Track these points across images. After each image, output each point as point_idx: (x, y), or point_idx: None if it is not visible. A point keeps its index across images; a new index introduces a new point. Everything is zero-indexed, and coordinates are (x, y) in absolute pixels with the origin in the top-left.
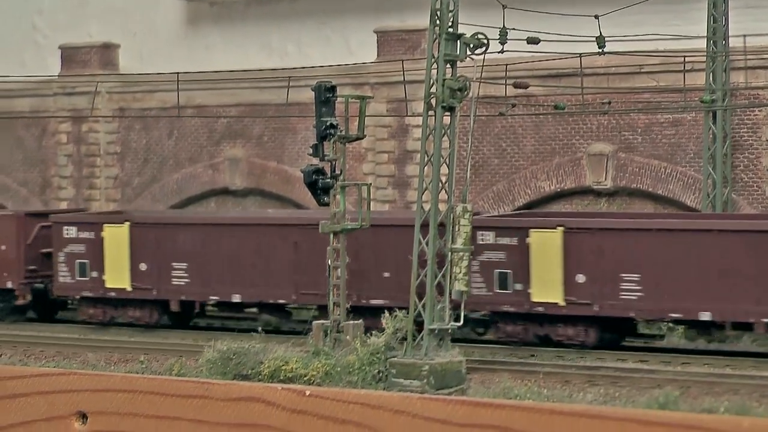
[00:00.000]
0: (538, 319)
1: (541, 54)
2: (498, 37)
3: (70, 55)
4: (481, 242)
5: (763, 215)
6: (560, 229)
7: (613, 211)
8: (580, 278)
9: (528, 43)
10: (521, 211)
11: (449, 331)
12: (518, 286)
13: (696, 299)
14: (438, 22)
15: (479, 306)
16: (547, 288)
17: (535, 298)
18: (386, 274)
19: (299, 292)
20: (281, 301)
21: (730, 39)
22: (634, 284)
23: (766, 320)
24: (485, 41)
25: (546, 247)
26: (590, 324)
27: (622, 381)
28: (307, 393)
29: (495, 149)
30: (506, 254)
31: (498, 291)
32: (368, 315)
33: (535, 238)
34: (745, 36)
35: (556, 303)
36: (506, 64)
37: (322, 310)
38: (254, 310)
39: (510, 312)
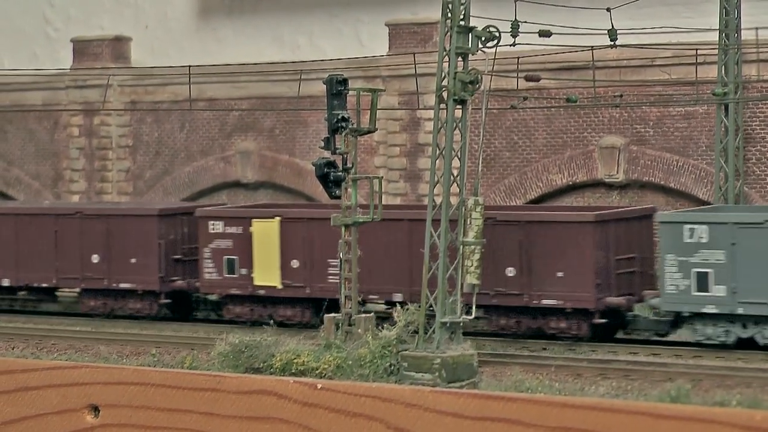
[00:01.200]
0: (261, 300)
1: (552, 47)
2: (510, 29)
3: (81, 48)
4: (211, 231)
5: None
6: (277, 219)
7: (624, 204)
8: (295, 263)
9: (540, 35)
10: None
11: (461, 324)
12: (243, 271)
13: (392, 282)
14: (450, 14)
15: (211, 289)
16: (267, 272)
17: (257, 282)
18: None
19: (59, 277)
20: (44, 285)
21: (742, 31)
22: (339, 269)
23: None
24: (497, 34)
25: (266, 235)
26: (305, 305)
27: (634, 374)
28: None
29: (506, 142)
30: (233, 242)
31: (226, 276)
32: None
33: (256, 227)
34: (757, 29)
35: (275, 286)
36: (518, 57)
37: (84, 293)
38: (24, 293)
39: (237, 294)
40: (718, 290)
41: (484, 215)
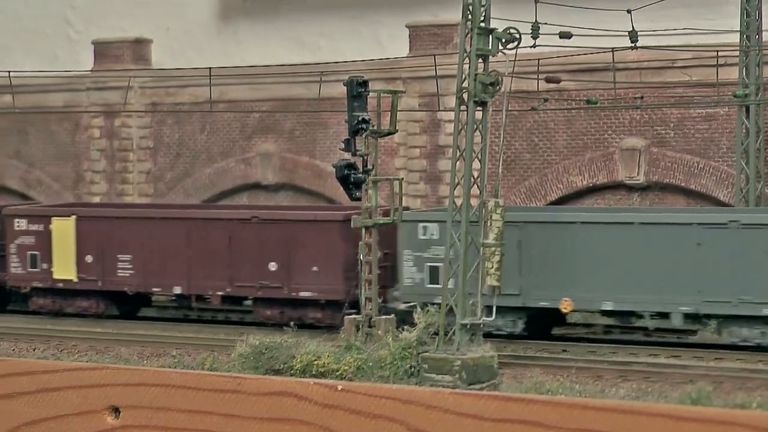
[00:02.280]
0: (61, 293)
1: (573, 48)
2: (530, 31)
3: (102, 50)
4: (17, 228)
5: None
6: (73, 217)
7: (644, 206)
8: (89, 258)
9: (560, 37)
10: (70, 202)
11: (481, 326)
12: (44, 266)
13: (172, 276)
14: (470, 16)
15: (17, 282)
16: (65, 267)
17: (56, 276)
18: (315, 268)
19: None
20: None
21: (763, 33)
22: (127, 263)
23: (221, 293)
24: (517, 36)
25: (63, 232)
26: (99, 297)
27: (655, 376)
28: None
29: (527, 144)
30: (35, 238)
31: (30, 270)
32: (298, 306)
33: (55, 224)
34: None
35: (71, 279)
36: (538, 59)
37: None
38: None
39: (39, 287)
40: (449, 282)
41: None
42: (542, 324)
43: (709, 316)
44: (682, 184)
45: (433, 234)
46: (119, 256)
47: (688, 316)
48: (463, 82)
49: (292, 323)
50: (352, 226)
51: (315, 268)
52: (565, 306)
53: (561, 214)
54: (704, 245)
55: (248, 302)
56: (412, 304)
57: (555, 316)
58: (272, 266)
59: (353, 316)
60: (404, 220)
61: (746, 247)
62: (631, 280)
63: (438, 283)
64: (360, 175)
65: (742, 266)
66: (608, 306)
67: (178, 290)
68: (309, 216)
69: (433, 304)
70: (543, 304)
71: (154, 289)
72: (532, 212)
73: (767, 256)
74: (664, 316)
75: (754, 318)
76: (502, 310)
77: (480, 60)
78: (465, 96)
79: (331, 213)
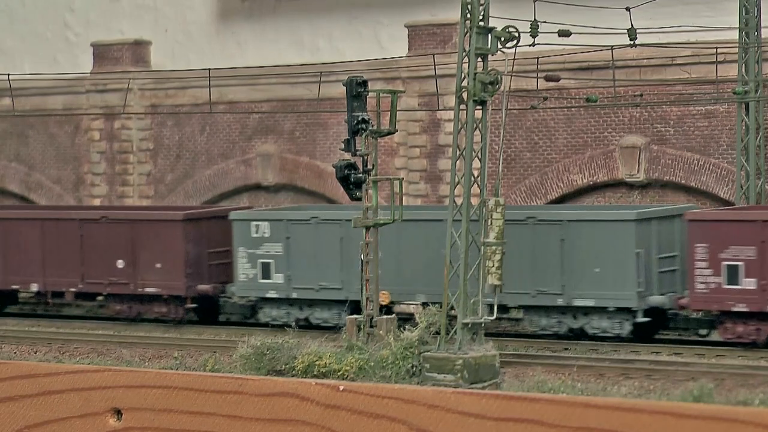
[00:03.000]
0: None
1: (572, 47)
2: (529, 30)
3: (101, 53)
4: None
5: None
6: None
7: (644, 203)
8: None
9: (559, 35)
10: None
11: (482, 325)
12: None
13: (30, 274)
14: (469, 15)
15: None
16: None
17: None
18: (158, 265)
19: None
20: None
21: (762, 30)
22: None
23: (74, 289)
24: (516, 34)
25: None
26: None
27: (657, 374)
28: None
29: (527, 143)
30: None
31: None
32: (145, 301)
33: None
34: None
35: None
36: (537, 57)
37: None
38: None
39: None
40: (277, 278)
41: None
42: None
43: (512, 308)
44: (683, 182)
45: (265, 232)
46: None
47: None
48: (462, 82)
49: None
50: (352, 226)
51: (158, 265)
52: (383, 298)
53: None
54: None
55: (100, 298)
56: (247, 297)
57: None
58: (120, 264)
59: (354, 316)
60: (237, 219)
61: (543, 242)
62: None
63: (270, 278)
64: (360, 175)
65: (540, 260)
66: (421, 298)
67: (35, 287)
68: (151, 216)
69: (265, 299)
70: None
71: (14, 287)
72: (355, 211)
73: (562, 250)
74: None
75: (551, 308)
76: (326, 304)
77: (479, 59)
78: (464, 95)
79: (172, 213)
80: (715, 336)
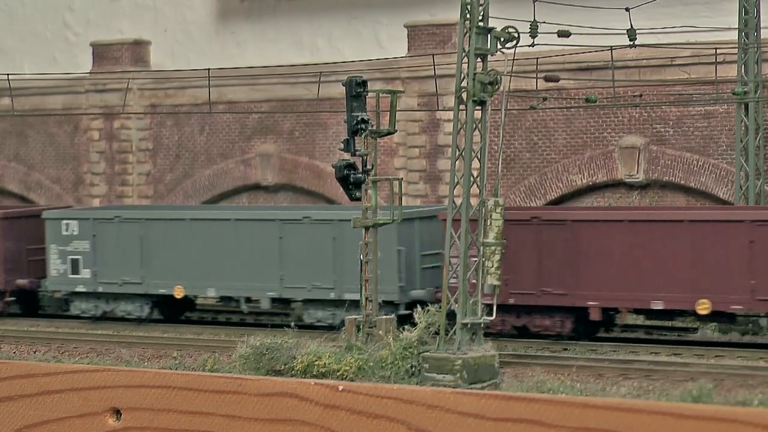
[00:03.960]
0: None
1: (571, 47)
2: (528, 30)
3: (101, 52)
4: None
5: None
6: None
7: (644, 204)
8: None
9: (559, 36)
10: None
11: (482, 325)
12: None
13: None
14: (468, 15)
15: None
16: None
17: None
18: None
19: None
20: None
21: (761, 30)
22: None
23: None
24: (516, 35)
25: None
26: None
27: (656, 374)
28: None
29: (526, 143)
30: None
31: None
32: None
33: None
34: None
35: None
36: (537, 58)
37: None
38: None
39: None
40: (85, 273)
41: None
42: (169, 308)
43: (291, 301)
44: (682, 182)
45: (74, 230)
46: None
47: (274, 300)
48: (462, 82)
49: (292, 323)
50: (352, 226)
51: None
52: (178, 292)
53: (174, 211)
54: (285, 238)
55: None
56: (59, 291)
57: (177, 301)
58: None
59: (354, 316)
60: (49, 218)
61: (318, 240)
62: (228, 270)
63: (78, 273)
64: (359, 175)
65: (315, 256)
66: (212, 293)
67: None
68: None
69: (75, 292)
70: (162, 291)
71: None
72: (153, 210)
73: (334, 248)
74: (256, 301)
75: (326, 301)
76: (129, 297)
77: (479, 59)
78: (464, 95)
79: None
80: None
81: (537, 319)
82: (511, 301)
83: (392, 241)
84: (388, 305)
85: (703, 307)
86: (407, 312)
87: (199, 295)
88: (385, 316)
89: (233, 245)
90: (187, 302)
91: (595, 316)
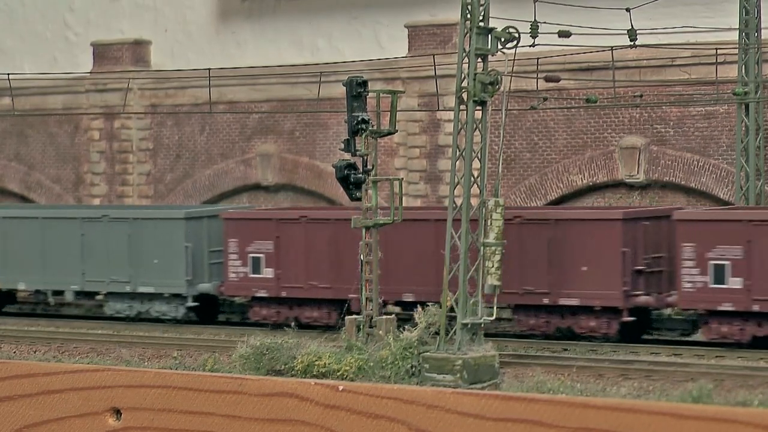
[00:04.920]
0: None
1: (572, 47)
2: (529, 30)
3: (101, 52)
4: None
5: None
6: None
7: (644, 204)
8: None
9: (559, 36)
10: None
11: (482, 325)
12: None
13: None
14: (469, 16)
15: None
16: None
17: None
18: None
19: None
20: None
21: (762, 31)
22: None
23: None
24: (516, 35)
25: None
26: None
27: (656, 374)
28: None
29: (527, 143)
30: None
31: None
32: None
33: None
34: None
35: None
36: (537, 58)
37: None
38: None
39: None
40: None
41: None
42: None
43: (93, 293)
44: (682, 182)
45: None
46: None
47: (78, 293)
48: (462, 82)
49: (292, 323)
50: (352, 226)
51: None
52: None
53: None
54: (86, 235)
55: None
56: None
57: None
58: None
59: (354, 316)
60: None
61: (115, 237)
62: (37, 265)
63: None
64: (360, 175)
65: (113, 252)
66: (22, 286)
67: None
68: None
69: None
70: None
71: None
72: None
73: (129, 244)
74: (61, 293)
75: (123, 294)
76: None
77: (479, 59)
78: (464, 95)
79: None
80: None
81: (307, 310)
82: (284, 294)
83: (180, 238)
84: (177, 297)
85: None
86: (194, 304)
87: (12, 288)
88: (385, 317)
89: (40, 242)
90: (10, 295)
91: (356, 307)
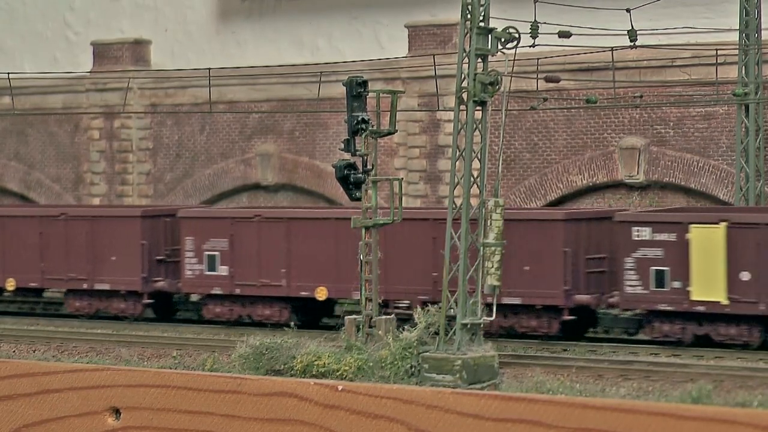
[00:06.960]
0: None
1: (572, 48)
2: (529, 31)
3: (101, 52)
4: None
5: None
6: None
7: (644, 205)
8: None
9: (559, 36)
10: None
11: (481, 325)
12: None
13: None
14: (469, 16)
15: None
16: None
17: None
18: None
19: None
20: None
21: (762, 32)
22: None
23: None
24: (516, 35)
25: None
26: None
27: (655, 375)
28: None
29: (527, 143)
30: None
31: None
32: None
33: None
34: None
35: None
36: (537, 58)
37: None
38: None
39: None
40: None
41: None
42: None
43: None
44: (682, 183)
45: None
46: None
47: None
48: (462, 82)
49: (292, 323)
50: (351, 226)
51: None
52: None
53: None
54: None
55: None
56: None
57: None
58: None
59: (353, 316)
60: None
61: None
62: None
63: None
64: (360, 175)
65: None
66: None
67: None
68: None
69: None
70: None
71: None
72: None
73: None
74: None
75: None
76: None
77: (479, 59)
78: (464, 96)
79: None
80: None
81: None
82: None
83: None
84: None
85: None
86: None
87: None
88: (385, 317)
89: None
90: None
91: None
